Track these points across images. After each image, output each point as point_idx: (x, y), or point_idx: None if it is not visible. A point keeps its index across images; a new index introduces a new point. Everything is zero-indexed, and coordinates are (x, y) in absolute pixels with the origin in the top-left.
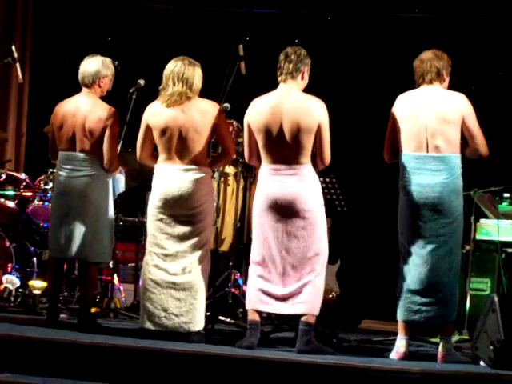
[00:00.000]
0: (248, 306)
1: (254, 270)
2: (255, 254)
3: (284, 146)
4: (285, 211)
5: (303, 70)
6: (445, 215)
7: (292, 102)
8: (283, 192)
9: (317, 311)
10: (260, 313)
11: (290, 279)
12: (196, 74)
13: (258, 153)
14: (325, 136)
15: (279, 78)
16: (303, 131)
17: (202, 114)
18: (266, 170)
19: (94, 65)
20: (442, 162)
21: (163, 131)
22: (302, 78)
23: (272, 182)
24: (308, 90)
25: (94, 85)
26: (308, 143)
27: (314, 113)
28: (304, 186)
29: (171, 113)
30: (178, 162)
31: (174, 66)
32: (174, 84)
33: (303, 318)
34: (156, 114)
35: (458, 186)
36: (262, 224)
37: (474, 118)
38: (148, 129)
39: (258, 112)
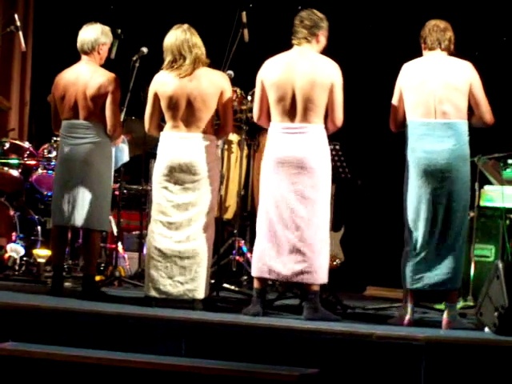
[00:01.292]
0: (254, 274)
1: (259, 237)
2: (262, 220)
3: (296, 104)
4: (294, 169)
5: (318, 33)
6: (452, 181)
7: (306, 60)
8: (292, 151)
9: (323, 280)
10: (265, 280)
11: (296, 245)
12: (199, 39)
13: (267, 112)
14: (337, 96)
15: (294, 42)
16: (316, 88)
17: (211, 83)
18: (276, 129)
19: (93, 32)
20: (450, 128)
21: (171, 100)
22: (318, 42)
23: (281, 140)
24: None
25: (94, 52)
26: (320, 101)
27: (327, 71)
28: (313, 146)
29: (180, 81)
30: (184, 130)
31: (183, 35)
32: (190, 52)
33: (308, 286)
34: (164, 84)
35: (465, 152)
36: (270, 185)
37: (480, 86)
38: (156, 99)
39: (273, 69)
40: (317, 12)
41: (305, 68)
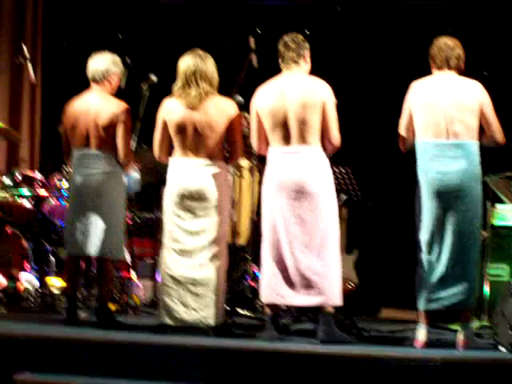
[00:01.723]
0: (263, 301)
1: (265, 263)
2: (266, 246)
3: (291, 127)
4: (293, 193)
5: (304, 54)
6: (465, 202)
7: (296, 83)
8: (291, 175)
9: (334, 301)
10: (277, 306)
11: (301, 269)
12: (214, 68)
13: (266, 140)
14: (330, 115)
15: (283, 66)
16: (308, 110)
17: (219, 111)
18: (275, 153)
19: (103, 61)
20: (462, 148)
21: (179, 127)
22: (306, 62)
23: (280, 164)
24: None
25: (105, 81)
26: (315, 122)
27: (317, 91)
28: (312, 168)
29: (187, 110)
30: (193, 157)
31: (194, 64)
32: (198, 85)
33: (322, 309)
34: (172, 111)
35: (477, 172)
36: (271, 209)
37: (490, 105)
38: (165, 126)
39: (264, 97)
40: (298, 34)
41: (295, 91)
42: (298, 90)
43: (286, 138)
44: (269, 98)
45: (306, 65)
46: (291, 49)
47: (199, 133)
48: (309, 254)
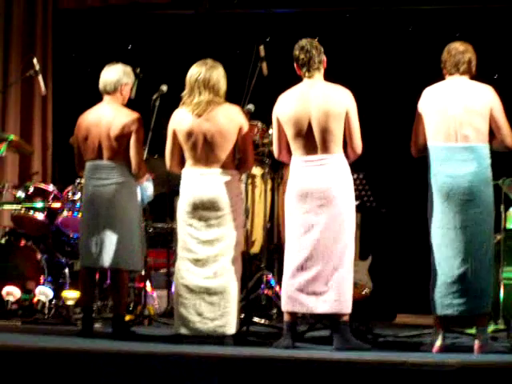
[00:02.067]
0: (284, 308)
1: (287, 270)
2: (288, 254)
3: (314, 136)
4: (317, 201)
5: (323, 59)
6: (476, 205)
7: (319, 91)
8: (314, 183)
9: (349, 309)
10: (295, 313)
11: (323, 277)
12: (220, 77)
13: (287, 147)
14: (354, 123)
15: (306, 74)
16: (332, 118)
17: (229, 119)
18: (298, 163)
19: (115, 72)
20: (472, 151)
21: (189, 137)
22: (324, 67)
23: (303, 173)
24: None
25: (116, 92)
26: (338, 131)
27: (341, 99)
28: (336, 176)
29: (196, 119)
30: (204, 167)
31: (198, 73)
32: (200, 93)
33: (337, 316)
34: (181, 121)
35: (487, 175)
36: (294, 218)
37: (500, 109)
38: (175, 136)
39: (286, 104)
40: (312, 39)
41: (318, 99)
42: (321, 99)
43: (309, 147)
44: (291, 105)
45: (323, 70)
46: (312, 55)
47: (209, 142)
48: (330, 263)
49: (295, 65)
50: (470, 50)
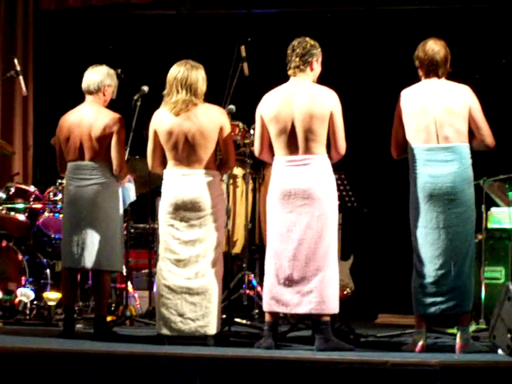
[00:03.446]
0: (265, 309)
1: (269, 270)
2: (270, 254)
3: (297, 136)
4: (300, 201)
5: (311, 61)
6: (458, 204)
7: (303, 92)
8: (297, 183)
9: (334, 310)
10: (277, 313)
11: (305, 277)
12: (200, 78)
13: (269, 146)
14: (338, 124)
15: (289, 72)
16: (316, 119)
17: (210, 119)
18: (280, 162)
19: (99, 73)
20: (453, 152)
21: (169, 137)
22: (312, 69)
23: (286, 173)
24: None
25: (99, 92)
26: (321, 131)
27: (325, 100)
28: (318, 176)
29: (176, 119)
30: (185, 167)
31: (177, 72)
32: (177, 91)
33: (319, 317)
34: (162, 121)
35: (469, 175)
36: (276, 218)
37: (479, 109)
38: (156, 136)
39: (271, 103)
40: (309, 39)
41: (302, 99)
42: (305, 99)
43: (292, 147)
44: (274, 104)
45: (311, 72)
46: (298, 54)
47: (190, 142)
48: (313, 263)
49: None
50: (444, 47)
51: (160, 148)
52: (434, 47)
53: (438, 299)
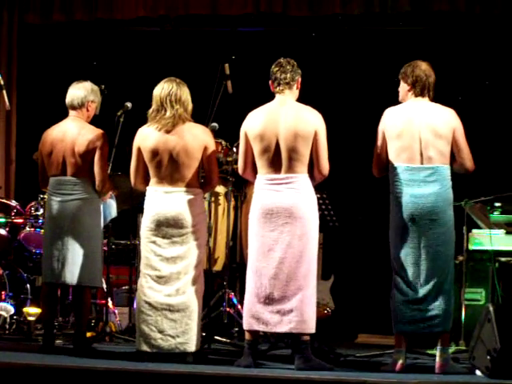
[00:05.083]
0: (245, 327)
1: (249, 289)
2: (250, 272)
3: (281, 155)
4: (281, 220)
5: (298, 79)
6: (439, 225)
7: (288, 111)
8: (279, 201)
9: (311, 329)
10: (257, 332)
11: (285, 296)
12: (188, 95)
13: (252, 165)
14: (322, 145)
15: (276, 89)
16: (299, 139)
17: (194, 138)
18: (262, 181)
19: (83, 89)
20: (435, 172)
21: (154, 154)
22: (297, 88)
23: (268, 191)
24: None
25: (83, 108)
26: (305, 151)
27: (310, 120)
28: (300, 195)
29: (162, 136)
30: (168, 184)
31: (169, 88)
32: (172, 106)
33: (299, 336)
34: (146, 138)
35: (449, 196)
36: (258, 237)
37: (462, 133)
38: (140, 153)
39: (256, 121)
40: (291, 60)
41: (287, 118)
42: (290, 118)
43: (275, 165)
44: (259, 122)
45: (297, 90)
46: (286, 71)
47: (175, 160)
48: (294, 282)
49: (270, 81)
50: (432, 71)
51: (143, 165)
52: (426, 71)
53: (418, 317)
